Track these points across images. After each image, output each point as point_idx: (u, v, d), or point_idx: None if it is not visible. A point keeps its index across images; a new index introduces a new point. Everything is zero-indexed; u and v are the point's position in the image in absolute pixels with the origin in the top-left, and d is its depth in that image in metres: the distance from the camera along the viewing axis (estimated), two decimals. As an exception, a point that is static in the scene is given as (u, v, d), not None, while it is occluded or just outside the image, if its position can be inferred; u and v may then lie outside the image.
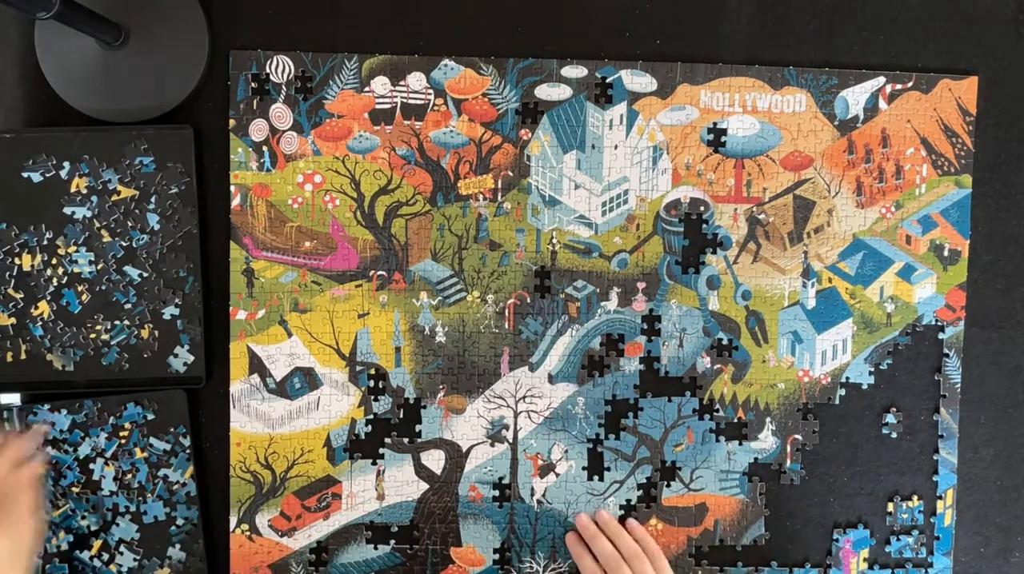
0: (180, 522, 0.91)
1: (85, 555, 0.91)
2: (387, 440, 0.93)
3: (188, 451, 0.91)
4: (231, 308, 0.92)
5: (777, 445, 0.95)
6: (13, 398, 0.90)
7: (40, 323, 0.90)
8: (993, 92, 0.94)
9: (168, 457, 0.91)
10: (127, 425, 0.90)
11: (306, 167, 0.92)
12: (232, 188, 0.92)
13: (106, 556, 0.91)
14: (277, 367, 0.93)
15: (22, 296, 0.90)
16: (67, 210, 0.89)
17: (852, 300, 0.95)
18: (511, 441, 0.94)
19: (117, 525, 0.91)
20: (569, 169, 0.93)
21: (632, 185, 0.94)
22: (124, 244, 0.90)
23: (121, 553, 0.91)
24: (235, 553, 0.93)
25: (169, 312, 0.91)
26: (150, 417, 0.90)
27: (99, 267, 0.90)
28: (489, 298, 0.93)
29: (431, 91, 0.92)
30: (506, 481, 0.94)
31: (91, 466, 0.90)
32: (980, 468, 0.96)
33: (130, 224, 0.90)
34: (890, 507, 0.95)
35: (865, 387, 0.95)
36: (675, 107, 0.93)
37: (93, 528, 0.91)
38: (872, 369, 0.95)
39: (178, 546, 0.91)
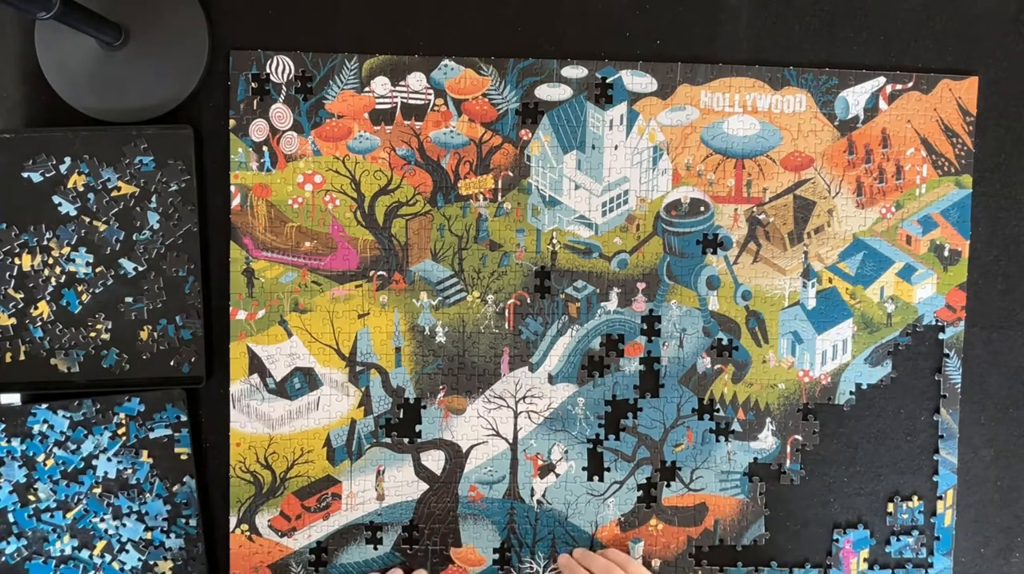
0: (180, 522, 0.91)
1: (84, 554, 0.91)
2: (387, 440, 0.93)
3: (188, 450, 0.91)
4: (231, 308, 0.92)
5: (777, 445, 0.95)
6: (13, 398, 0.90)
7: (40, 324, 0.90)
8: (993, 92, 0.94)
9: (168, 456, 0.91)
10: (122, 415, 0.90)
11: (306, 167, 0.92)
12: (232, 188, 0.92)
13: (108, 557, 0.91)
14: (277, 367, 0.93)
15: (22, 296, 0.90)
16: (55, 199, 0.89)
17: (852, 300, 0.95)
18: (511, 441, 0.94)
19: (124, 525, 0.91)
20: (569, 169, 0.93)
21: (632, 185, 0.94)
22: (123, 241, 0.90)
23: (126, 552, 0.91)
24: (235, 553, 0.93)
25: (169, 312, 0.91)
26: (143, 409, 0.90)
27: (97, 269, 0.90)
28: (489, 298, 0.93)
29: (431, 91, 0.92)
30: (506, 480, 0.94)
31: (94, 462, 0.90)
32: (980, 468, 0.96)
33: (130, 221, 0.90)
34: (890, 507, 0.95)
35: (865, 387, 0.95)
36: (675, 107, 0.93)
37: (99, 528, 0.91)
38: (872, 369, 0.95)
39: (178, 546, 0.91)
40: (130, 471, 0.91)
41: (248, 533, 0.93)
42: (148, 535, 0.91)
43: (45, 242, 0.90)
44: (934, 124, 0.94)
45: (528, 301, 0.94)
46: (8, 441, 0.90)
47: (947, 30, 0.94)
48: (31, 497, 0.90)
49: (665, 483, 0.95)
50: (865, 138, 0.94)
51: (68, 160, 0.89)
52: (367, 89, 0.92)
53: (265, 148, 0.92)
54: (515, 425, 0.94)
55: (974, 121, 0.94)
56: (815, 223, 0.94)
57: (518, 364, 0.94)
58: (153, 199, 0.90)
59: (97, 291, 0.90)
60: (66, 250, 0.90)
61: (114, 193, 0.90)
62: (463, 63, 0.92)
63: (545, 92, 0.93)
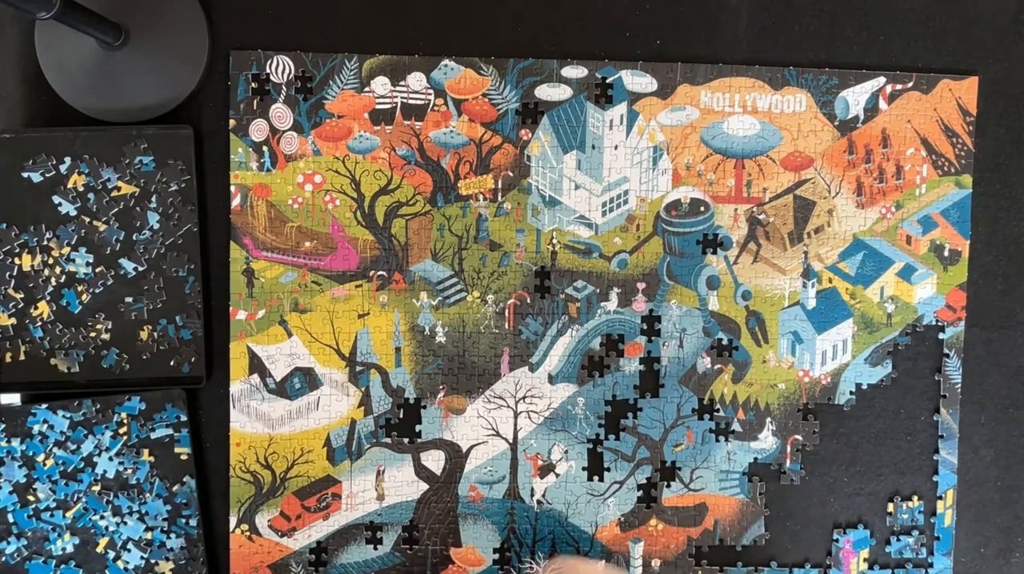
0: (180, 522, 0.91)
1: (90, 550, 0.91)
2: (387, 440, 0.93)
3: (188, 450, 0.91)
4: (231, 308, 0.92)
5: (777, 445, 0.95)
6: (13, 398, 0.90)
7: (40, 324, 0.90)
8: (993, 92, 0.94)
9: (168, 456, 0.91)
10: (123, 415, 0.90)
11: (306, 167, 0.92)
12: (232, 188, 0.92)
13: (112, 554, 0.91)
14: (277, 367, 0.93)
15: (22, 296, 0.90)
16: (55, 199, 0.89)
17: (852, 300, 0.95)
18: (511, 441, 0.94)
19: (124, 523, 0.91)
20: (569, 169, 0.93)
21: (632, 185, 0.94)
22: (123, 241, 0.90)
23: (128, 550, 0.91)
24: (235, 553, 0.93)
25: (169, 312, 0.91)
26: (143, 407, 0.90)
27: (97, 269, 0.90)
28: (489, 298, 0.93)
29: (431, 91, 0.92)
30: (506, 480, 0.94)
31: (95, 461, 0.90)
32: (980, 468, 0.96)
33: (130, 221, 0.90)
34: (890, 507, 0.95)
35: (866, 387, 0.95)
36: (675, 107, 0.93)
37: (100, 527, 0.91)
38: (872, 369, 0.95)
39: (178, 546, 0.91)
40: (130, 471, 0.91)
41: (248, 533, 0.93)
42: (148, 535, 0.91)
43: (45, 242, 0.90)
44: (934, 124, 0.94)
45: (528, 301, 0.94)
46: (8, 441, 0.90)
47: (947, 30, 0.94)
48: (31, 497, 0.90)
49: (665, 483, 0.95)
50: (865, 138, 0.94)
51: (68, 160, 0.89)
52: (367, 89, 0.92)
53: (265, 148, 0.92)
54: (515, 425, 0.94)
55: (974, 121, 0.94)
56: (815, 223, 0.94)
57: (518, 364, 0.94)
58: (153, 199, 0.90)
59: (97, 291, 0.90)
60: (66, 250, 0.90)
61: (114, 193, 0.90)
62: (463, 63, 0.92)
63: (545, 92, 0.93)
